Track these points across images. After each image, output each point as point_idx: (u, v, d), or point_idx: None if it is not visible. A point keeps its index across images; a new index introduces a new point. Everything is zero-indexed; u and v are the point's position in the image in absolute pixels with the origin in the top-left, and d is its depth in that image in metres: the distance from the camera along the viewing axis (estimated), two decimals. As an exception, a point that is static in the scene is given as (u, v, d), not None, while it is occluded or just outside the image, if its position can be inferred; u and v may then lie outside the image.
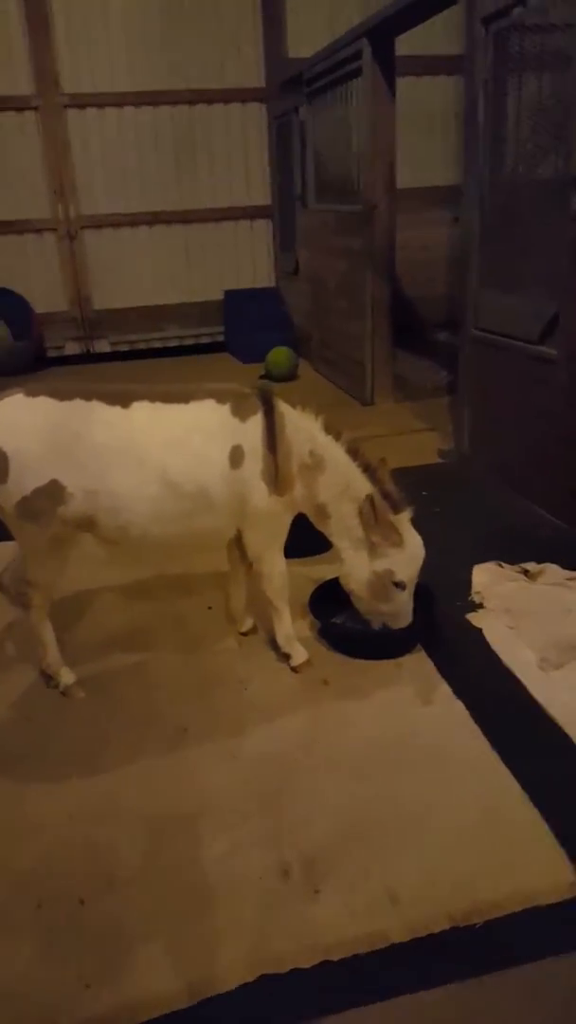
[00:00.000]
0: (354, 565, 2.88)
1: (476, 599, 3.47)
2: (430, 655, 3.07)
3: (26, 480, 2.49)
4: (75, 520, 2.58)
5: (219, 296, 9.32)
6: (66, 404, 2.54)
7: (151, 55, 8.42)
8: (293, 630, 3.02)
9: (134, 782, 2.46)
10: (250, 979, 1.82)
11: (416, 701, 2.81)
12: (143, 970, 1.86)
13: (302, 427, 2.77)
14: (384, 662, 3.03)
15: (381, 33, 5.81)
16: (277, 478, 2.71)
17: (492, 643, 3.15)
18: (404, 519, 2.82)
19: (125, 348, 9.23)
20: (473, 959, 1.85)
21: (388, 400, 6.93)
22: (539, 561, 3.70)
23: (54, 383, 2.67)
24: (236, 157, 8.99)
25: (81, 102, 8.40)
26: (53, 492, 2.51)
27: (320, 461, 2.76)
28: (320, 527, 2.93)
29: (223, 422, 2.66)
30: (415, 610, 3.21)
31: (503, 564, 3.70)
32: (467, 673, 2.96)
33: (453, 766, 2.46)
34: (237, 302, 9.14)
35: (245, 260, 9.42)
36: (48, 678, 2.92)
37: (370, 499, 2.73)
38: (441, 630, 3.21)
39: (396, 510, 2.78)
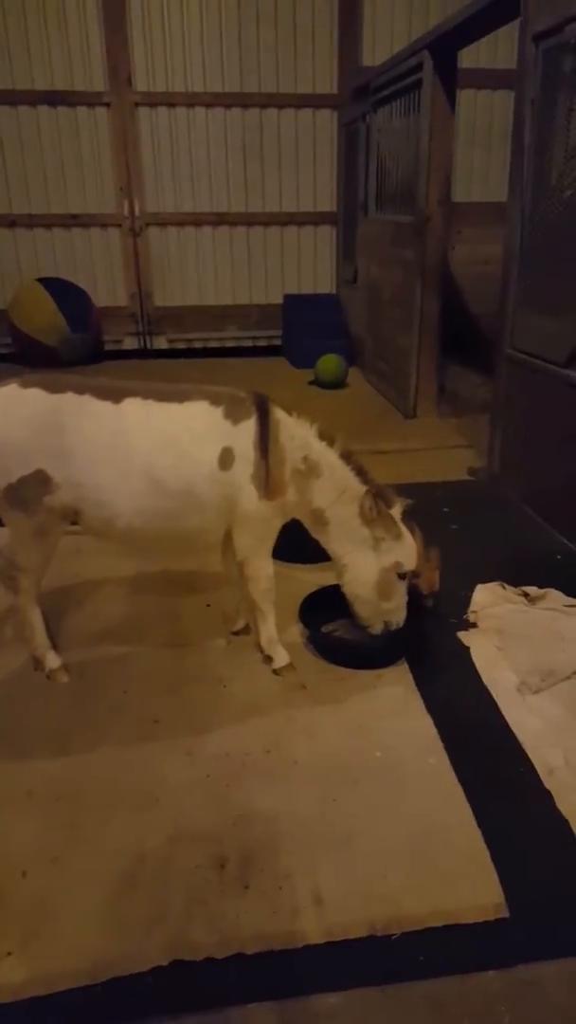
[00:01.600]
0: (360, 568, 2.94)
1: (471, 618, 3.46)
2: (412, 669, 3.09)
3: (13, 468, 2.61)
4: (61, 510, 2.69)
5: (279, 300, 9.43)
6: (57, 396, 2.65)
7: (226, 57, 8.55)
8: (277, 633, 3.07)
9: (96, 767, 2.55)
10: (163, 963, 1.90)
11: (387, 712, 2.83)
12: (64, 943, 1.95)
13: (296, 434, 2.83)
14: (365, 672, 3.07)
15: (442, 45, 5.81)
16: (268, 482, 2.78)
17: (477, 662, 3.15)
18: (397, 513, 2.91)
19: (183, 346, 9.42)
20: (381, 968, 1.89)
21: (431, 414, 6.92)
22: (545, 586, 3.67)
23: (54, 375, 2.77)
24: (304, 162, 9.06)
25: (153, 101, 8.58)
26: (39, 481, 2.62)
27: (315, 467, 2.83)
28: (317, 535, 2.98)
29: (215, 424, 2.73)
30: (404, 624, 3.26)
31: (505, 585, 3.68)
32: (445, 690, 2.97)
33: (407, 779, 2.48)
34: (296, 307, 9.23)
35: (307, 265, 9.51)
36: (37, 661, 3.05)
37: (371, 493, 2.81)
38: (427, 645, 3.22)
39: (389, 505, 2.89)
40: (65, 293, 8.44)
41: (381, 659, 3.12)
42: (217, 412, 2.74)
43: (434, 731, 2.72)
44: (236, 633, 3.33)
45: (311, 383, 7.97)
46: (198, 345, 9.46)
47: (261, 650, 3.11)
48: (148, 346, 9.34)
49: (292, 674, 3.05)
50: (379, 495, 2.85)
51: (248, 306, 9.49)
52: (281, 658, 3.06)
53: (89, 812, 2.37)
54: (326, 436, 2.86)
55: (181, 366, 8.76)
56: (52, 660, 3.02)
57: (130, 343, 9.31)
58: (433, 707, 2.85)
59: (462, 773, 2.51)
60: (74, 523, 2.79)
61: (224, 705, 2.88)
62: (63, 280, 8.63)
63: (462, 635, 3.33)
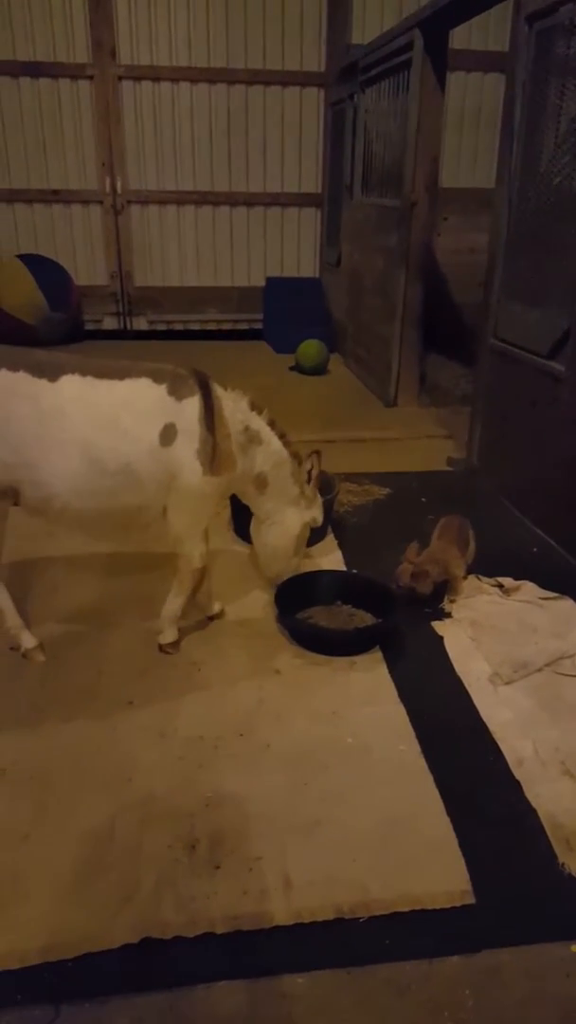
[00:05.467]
0: (288, 522, 3.24)
1: (446, 608, 3.49)
2: (385, 657, 3.11)
3: None
4: None
5: (261, 283, 9.35)
6: None
7: (212, 32, 8.39)
8: (180, 612, 3.10)
9: (68, 747, 2.56)
10: (133, 941, 1.91)
11: (359, 700, 2.85)
12: (36, 919, 1.96)
13: (235, 407, 2.90)
14: (339, 659, 3.08)
15: (434, 24, 5.72)
16: (215, 457, 2.80)
17: (450, 652, 3.17)
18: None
19: (162, 327, 9.32)
20: (347, 951, 1.91)
21: (412, 403, 6.91)
22: (520, 578, 3.70)
23: None
24: (290, 142, 8.95)
25: (137, 74, 8.42)
26: None
27: (256, 435, 2.98)
28: (252, 498, 3.17)
29: (158, 400, 2.72)
30: (378, 612, 3.29)
31: (480, 577, 3.71)
32: (418, 678, 2.99)
33: (378, 766, 2.51)
34: (278, 290, 9.16)
35: (290, 248, 9.42)
36: (12, 641, 3.03)
37: (317, 456, 3.15)
38: (401, 634, 3.25)
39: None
40: (45, 270, 8.29)
41: (355, 647, 3.14)
42: (160, 389, 2.73)
43: (406, 719, 2.74)
44: (211, 618, 3.33)
45: (292, 368, 7.94)
46: (178, 327, 9.37)
47: (238, 634, 3.11)
48: (128, 327, 9.23)
49: (175, 652, 3.08)
50: (295, 457, 3.13)
51: (229, 288, 9.40)
52: (170, 635, 3.09)
53: (61, 791, 2.37)
54: (255, 406, 2.99)
55: (160, 348, 8.67)
56: (28, 640, 3.00)
57: (110, 323, 9.20)
58: (405, 695, 2.87)
59: (432, 761, 2.53)
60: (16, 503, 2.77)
61: (198, 688, 2.88)
62: (43, 257, 8.49)
63: (436, 625, 3.35)
